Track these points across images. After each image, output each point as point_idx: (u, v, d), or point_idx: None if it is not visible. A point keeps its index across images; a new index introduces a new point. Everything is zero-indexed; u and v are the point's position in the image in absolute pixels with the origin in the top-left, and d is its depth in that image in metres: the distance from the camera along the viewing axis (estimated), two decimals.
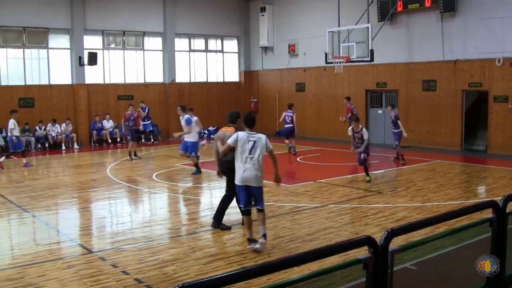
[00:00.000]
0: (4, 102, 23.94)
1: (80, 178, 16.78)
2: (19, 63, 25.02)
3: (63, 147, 24.83)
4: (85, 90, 26.20)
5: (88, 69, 25.99)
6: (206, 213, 11.67)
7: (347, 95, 22.98)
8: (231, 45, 31.63)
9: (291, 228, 9.81)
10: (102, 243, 9.48)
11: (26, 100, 24.70)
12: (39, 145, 24.21)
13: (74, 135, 25.30)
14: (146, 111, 25.48)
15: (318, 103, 27.02)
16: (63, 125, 25.08)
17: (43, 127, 24.62)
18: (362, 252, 4.04)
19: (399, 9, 22.57)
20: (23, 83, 25.00)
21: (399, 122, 18.10)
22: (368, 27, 20.55)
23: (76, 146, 25.08)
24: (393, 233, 4.20)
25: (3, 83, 24.59)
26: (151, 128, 26.48)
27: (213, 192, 14.63)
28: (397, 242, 4.28)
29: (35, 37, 25.22)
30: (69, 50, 26.03)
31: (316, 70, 26.95)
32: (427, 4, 21.55)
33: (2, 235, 10.40)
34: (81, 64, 25.50)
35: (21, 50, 24.96)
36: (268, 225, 9.63)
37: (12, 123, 18.56)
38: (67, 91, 25.88)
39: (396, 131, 18.17)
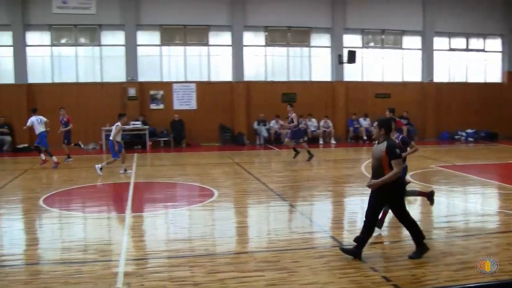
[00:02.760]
0: (269, 96, 25.71)
1: (335, 172, 17.28)
2: (283, 60, 26.66)
3: (321, 141, 25.79)
4: (344, 87, 26.86)
5: (346, 67, 26.60)
6: (460, 218, 11.19)
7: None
8: (494, 44, 29.68)
9: None
10: (352, 238, 9.63)
11: (288, 95, 26.18)
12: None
13: (332, 130, 26.08)
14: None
15: None
16: (322, 121, 26.04)
17: (303, 121, 25.84)
18: None
19: None
20: (286, 79, 26.59)
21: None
22: None
23: (333, 141, 25.86)
24: None
25: (269, 79, 26.46)
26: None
27: (468, 197, 13.95)
28: None
29: (299, 36, 26.61)
30: (329, 49, 26.91)
31: None
32: None
33: (262, 220, 11.19)
34: (340, 62, 26.19)
35: (286, 48, 26.57)
36: (502, 240, 9.03)
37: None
38: (327, 88, 26.78)
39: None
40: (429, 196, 10.61)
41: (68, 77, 25.54)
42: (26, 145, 24.08)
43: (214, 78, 26.39)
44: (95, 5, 24.90)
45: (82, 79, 25.60)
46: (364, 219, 8.20)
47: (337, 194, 13.89)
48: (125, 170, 17.09)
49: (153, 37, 25.95)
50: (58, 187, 14.74)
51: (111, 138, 16.82)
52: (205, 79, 26.26)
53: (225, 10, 25.74)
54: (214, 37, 26.28)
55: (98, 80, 25.64)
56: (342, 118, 26.86)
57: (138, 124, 24.38)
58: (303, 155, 19.53)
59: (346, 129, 26.87)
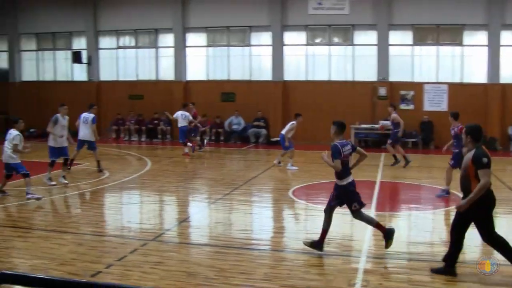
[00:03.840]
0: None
1: None
2: None
3: None
4: None
5: None
6: None
7: None
8: None
9: None
10: None
11: None
12: None
13: None
14: None
15: None
16: None
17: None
18: None
19: None
20: None
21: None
22: None
23: None
24: None
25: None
26: None
27: None
28: None
29: None
30: None
31: None
32: None
33: (511, 231, 10.49)
34: None
35: None
36: None
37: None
38: None
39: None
40: (387, 234, 8.48)
41: (320, 76, 26.48)
42: (278, 138, 25.56)
43: (466, 79, 25.21)
44: (348, 6, 25.42)
45: (334, 78, 26.34)
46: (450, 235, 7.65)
47: None
48: (279, 162, 18.27)
49: (405, 36, 25.65)
50: (307, 180, 15.42)
51: (282, 132, 17.89)
52: (457, 80, 25.22)
53: (480, 7, 24.37)
54: (468, 37, 25.06)
55: (349, 79, 26.15)
56: None
57: (387, 123, 24.33)
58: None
59: None
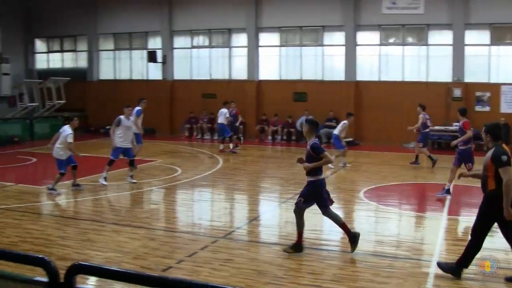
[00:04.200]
0: None
1: None
2: None
3: None
4: None
5: None
6: None
7: None
8: None
9: None
10: None
11: None
12: None
13: None
14: None
15: None
16: None
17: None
18: None
19: None
20: None
21: None
22: None
23: None
24: None
25: None
26: None
27: None
28: None
29: None
30: None
31: None
32: None
33: None
34: None
35: None
36: None
37: None
38: None
39: None
40: (352, 238, 8.45)
41: (393, 76, 26.05)
42: (351, 139, 25.29)
43: None
44: (423, 5, 24.86)
45: (407, 78, 25.86)
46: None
47: None
48: (345, 164, 18.12)
49: (482, 36, 24.83)
50: (378, 182, 15.24)
51: (335, 132, 18.01)
52: None
53: None
54: None
55: (423, 79, 25.59)
56: None
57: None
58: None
59: None
